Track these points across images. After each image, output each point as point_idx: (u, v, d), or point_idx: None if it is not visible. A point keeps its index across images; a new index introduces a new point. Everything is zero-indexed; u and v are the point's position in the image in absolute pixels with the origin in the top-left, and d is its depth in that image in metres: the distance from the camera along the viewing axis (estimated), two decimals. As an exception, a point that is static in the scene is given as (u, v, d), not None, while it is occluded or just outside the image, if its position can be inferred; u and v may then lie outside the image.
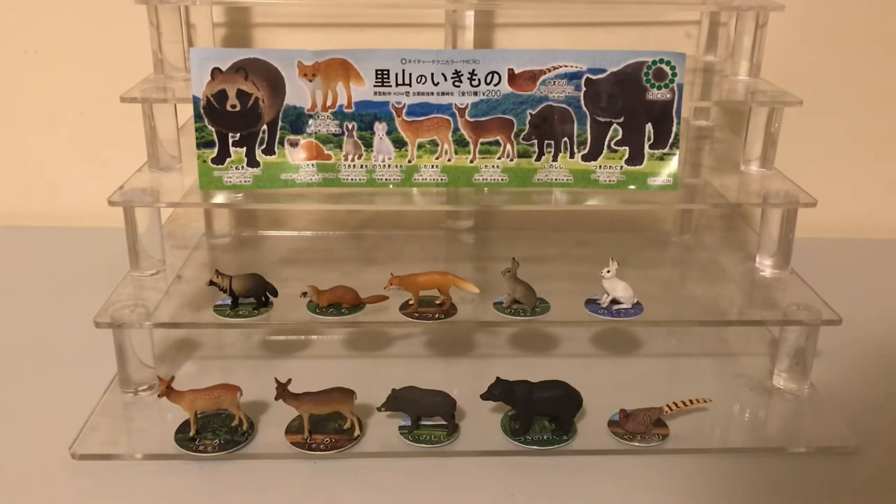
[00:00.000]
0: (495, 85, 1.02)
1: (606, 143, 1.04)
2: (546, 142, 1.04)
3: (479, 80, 1.01)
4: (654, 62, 1.01)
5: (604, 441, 1.02)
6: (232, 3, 1.41)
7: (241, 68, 0.99)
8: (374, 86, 1.01)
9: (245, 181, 1.03)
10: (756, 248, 1.23)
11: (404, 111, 1.02)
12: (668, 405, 1.04)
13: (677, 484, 0.96)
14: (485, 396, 1.01)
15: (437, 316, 1.08)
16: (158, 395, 0.99)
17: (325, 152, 1.03)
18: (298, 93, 1.01)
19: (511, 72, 1.01)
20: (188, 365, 1.16)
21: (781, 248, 1.19)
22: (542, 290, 1.11)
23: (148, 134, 1.15)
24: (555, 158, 1.04)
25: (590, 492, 0.95)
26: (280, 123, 1.02)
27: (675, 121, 1.03)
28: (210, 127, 1.01)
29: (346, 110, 1.02)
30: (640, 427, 1.02)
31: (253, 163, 1.03)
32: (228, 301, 1.09)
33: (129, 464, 0.98)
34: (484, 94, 1.02)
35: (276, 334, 1.24)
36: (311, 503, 0.93)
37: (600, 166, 1.05)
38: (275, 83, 1.00)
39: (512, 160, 1.04)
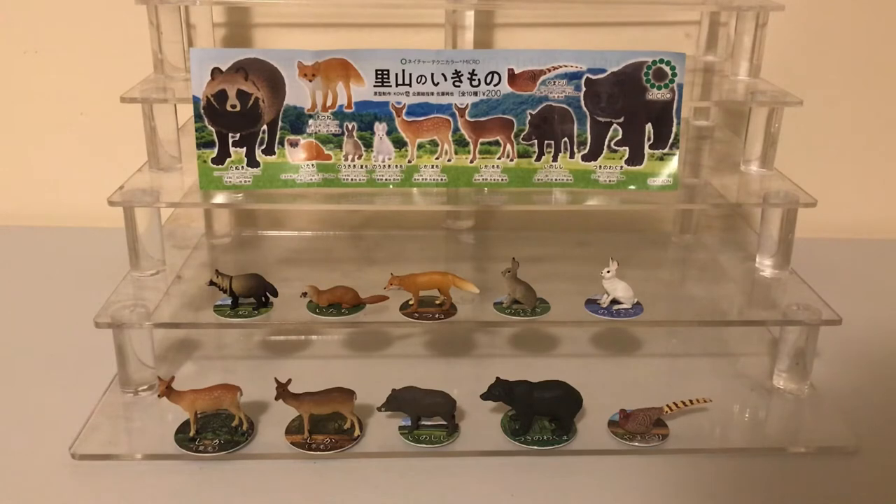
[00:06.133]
0: (495, 85, 1.02)
1: (606, 143, 1.04)
2: (546, 142, 1.04)
3: (479, 80, 1.01)
4: (654, 62, 1.01)
5: (604, 441, 1.02)
6: (232, 3, 1.41)
7: (241, 68, 0.99)
8: (374, 86, 1.01)
9: (245, 181, 1.03)
10: (756, 248, 1.23)
11: (404, 111, 1.02)
12: (668, 405, 1.04)
13: (677, 484, 0.96)
14: (485, 396, 1.01)
15: (437, 316, 1.08)
16: (158, 395, 0.99)
17: (325, 152, 1.03)
18: (298, 93, 1.01)
19: (511, 72, 1.01)
20: (188, 365, 1.16)
21: (781, 248, 1.19)
22: (542, 290, 1.11)
23: (148, 134, 1.15)
24: (555, 158, 1.04)
25: (590, 492, 0.95)
26: (280, 123, 1.02)
27: (675, 121, 1.03)
28: (210, 127, 1.01)
29: (346, 110, 1.02)
30: (640, 427, 1.02)
31: (253, 163, 1.03)
32: (228, 301, 1.09)
33: (129, 464, 0.98)
34: (484, 94, 1.02)
35: (276, 334, 1.24)
36: (311, 503, 0.93)
37: (600, 166, 1.05)
38: (275, 83, 1.00)
39: (512, 160, 1.04)
